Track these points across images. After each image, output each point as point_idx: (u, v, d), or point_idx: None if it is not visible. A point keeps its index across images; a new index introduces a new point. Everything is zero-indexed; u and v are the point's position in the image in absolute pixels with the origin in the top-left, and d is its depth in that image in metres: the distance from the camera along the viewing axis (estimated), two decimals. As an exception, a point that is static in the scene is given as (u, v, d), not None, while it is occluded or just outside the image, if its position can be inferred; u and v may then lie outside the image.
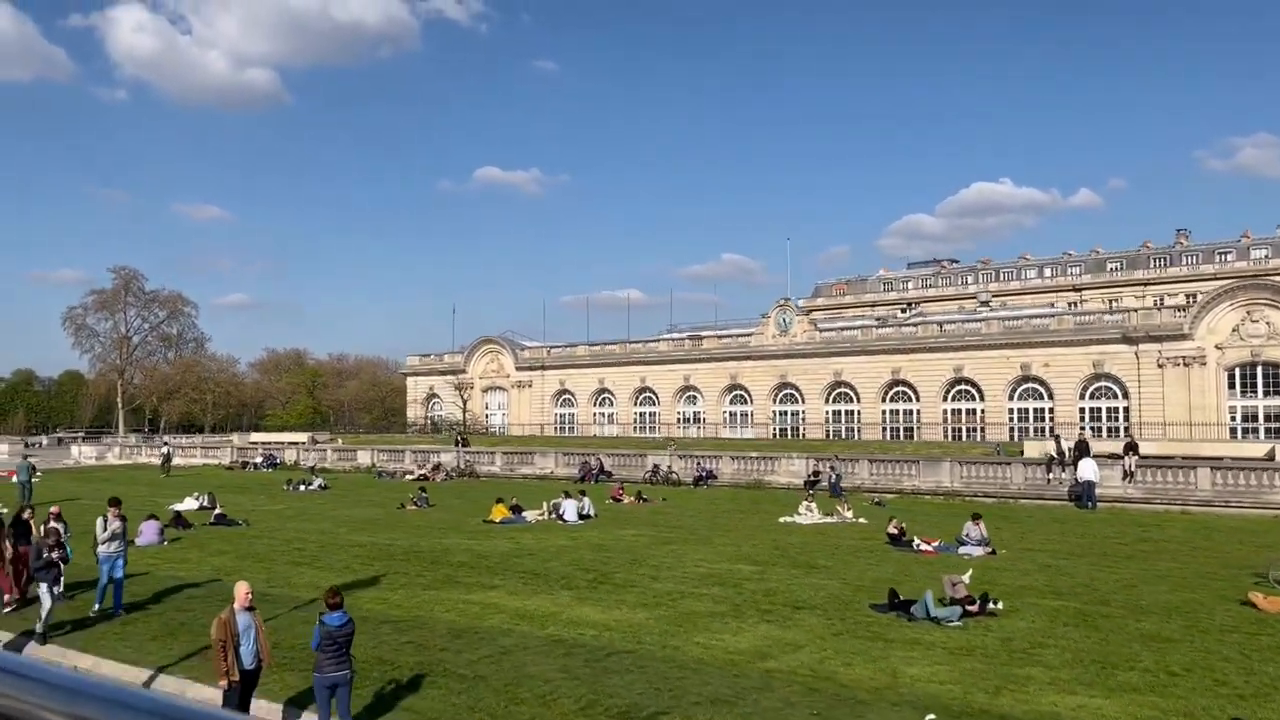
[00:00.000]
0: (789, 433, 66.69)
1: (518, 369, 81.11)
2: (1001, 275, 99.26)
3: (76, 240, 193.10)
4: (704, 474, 36.17)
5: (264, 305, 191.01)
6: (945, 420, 61.21)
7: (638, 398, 75.23)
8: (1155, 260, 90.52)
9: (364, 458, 49.72)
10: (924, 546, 21.43)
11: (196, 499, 29.90)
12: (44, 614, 13.99)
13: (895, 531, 22.36)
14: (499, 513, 26.16)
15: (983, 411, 59.78)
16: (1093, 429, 55.39)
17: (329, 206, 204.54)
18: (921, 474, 34.98)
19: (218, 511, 25.64)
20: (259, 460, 50.66)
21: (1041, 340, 57.41)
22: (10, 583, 15.30)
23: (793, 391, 67.40)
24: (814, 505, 26.76)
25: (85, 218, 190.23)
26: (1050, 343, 57.08)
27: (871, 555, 21.05)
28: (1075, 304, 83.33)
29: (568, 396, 79.12)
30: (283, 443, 63.32)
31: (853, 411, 64.83)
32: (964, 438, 59.70)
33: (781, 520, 26.87)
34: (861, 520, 26.87)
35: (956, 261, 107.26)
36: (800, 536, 23.90)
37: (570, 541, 23.20)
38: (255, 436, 69.93)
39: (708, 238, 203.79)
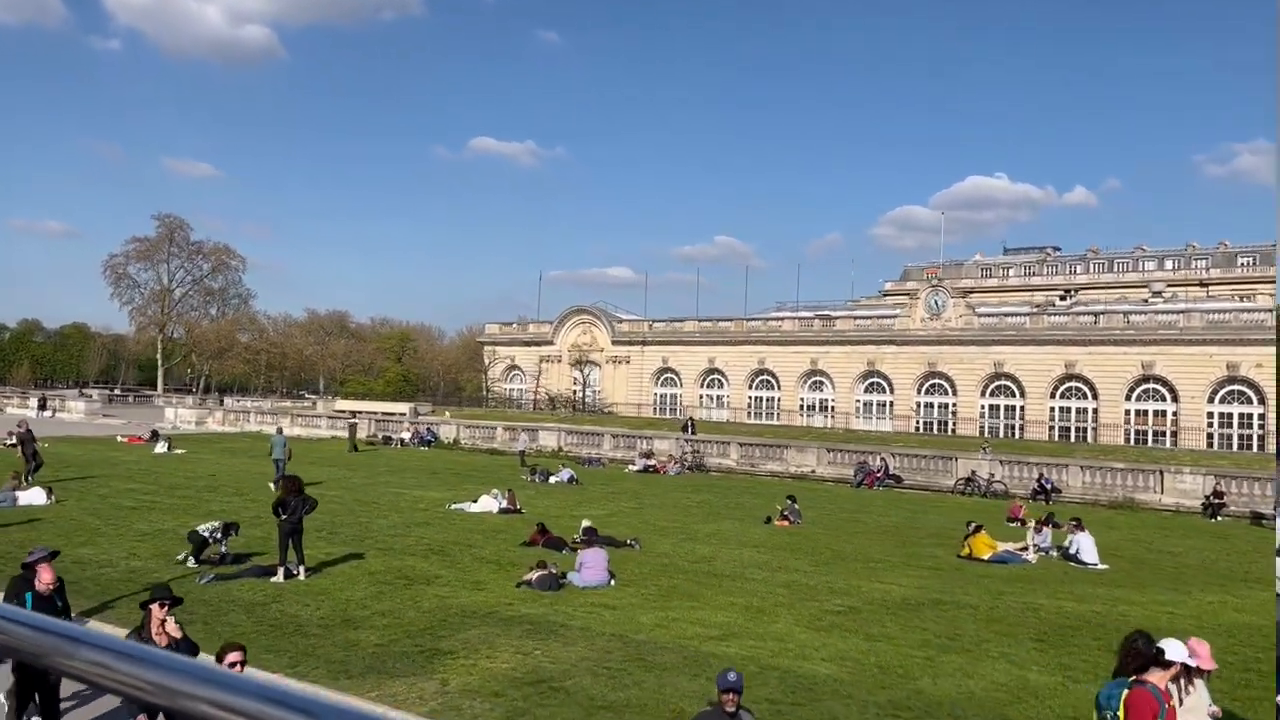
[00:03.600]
0: (935, 427, 60.39)
1: (614, 343, 74.39)
2: (1116, 266, 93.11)
3: (63, 190, 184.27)
4: (1046, 485, 29.45)
5: (256, 268, 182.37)
6: (1128, 422, 55.07)
7: (754, 380, 68.70)
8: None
9: (547, 439, 42.18)
10: None
11: (495, 498, 22.42)
12: None
13: None
14: (982, 545, 18.00)
15: (1175, 414, 53.63)
16: (1313, 440, 49.51)
17: (320, 168, 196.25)
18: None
19: (587, 525, 18.27)
20: (406, 436, 43.50)
21: (1255, 338, 51.18)
22: None
23: (941, 382, 61.00)
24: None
25: (72, 167, 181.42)
26: (1265, 341, 50.87)
27: None
28: (1201, 300, 77.40)
29: (670, 375, 72.50)
30: (378, 412, 56.70)
31: (1014, 407, 58.53)
32: (1149, 442, 53.64)
33: None
34: None
35: (1059, 249, 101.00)
36: None
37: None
38: (341, 404, 63.10)
39: (701, 219, 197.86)
